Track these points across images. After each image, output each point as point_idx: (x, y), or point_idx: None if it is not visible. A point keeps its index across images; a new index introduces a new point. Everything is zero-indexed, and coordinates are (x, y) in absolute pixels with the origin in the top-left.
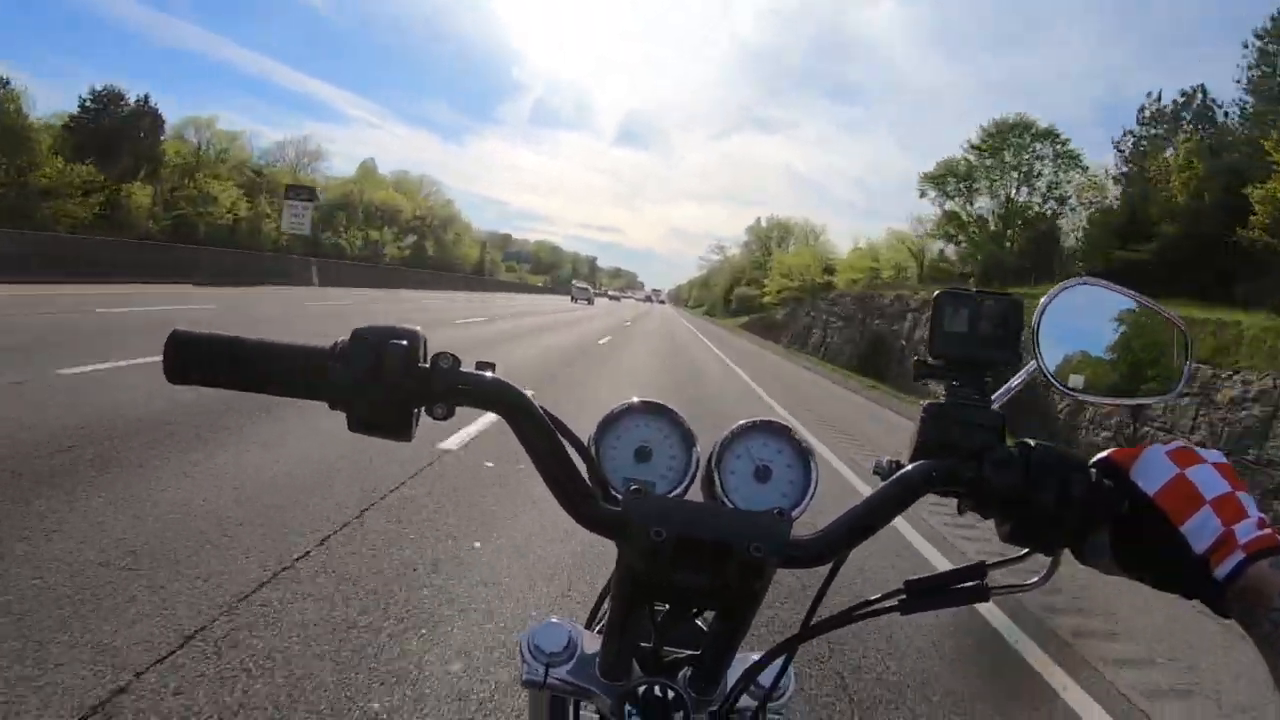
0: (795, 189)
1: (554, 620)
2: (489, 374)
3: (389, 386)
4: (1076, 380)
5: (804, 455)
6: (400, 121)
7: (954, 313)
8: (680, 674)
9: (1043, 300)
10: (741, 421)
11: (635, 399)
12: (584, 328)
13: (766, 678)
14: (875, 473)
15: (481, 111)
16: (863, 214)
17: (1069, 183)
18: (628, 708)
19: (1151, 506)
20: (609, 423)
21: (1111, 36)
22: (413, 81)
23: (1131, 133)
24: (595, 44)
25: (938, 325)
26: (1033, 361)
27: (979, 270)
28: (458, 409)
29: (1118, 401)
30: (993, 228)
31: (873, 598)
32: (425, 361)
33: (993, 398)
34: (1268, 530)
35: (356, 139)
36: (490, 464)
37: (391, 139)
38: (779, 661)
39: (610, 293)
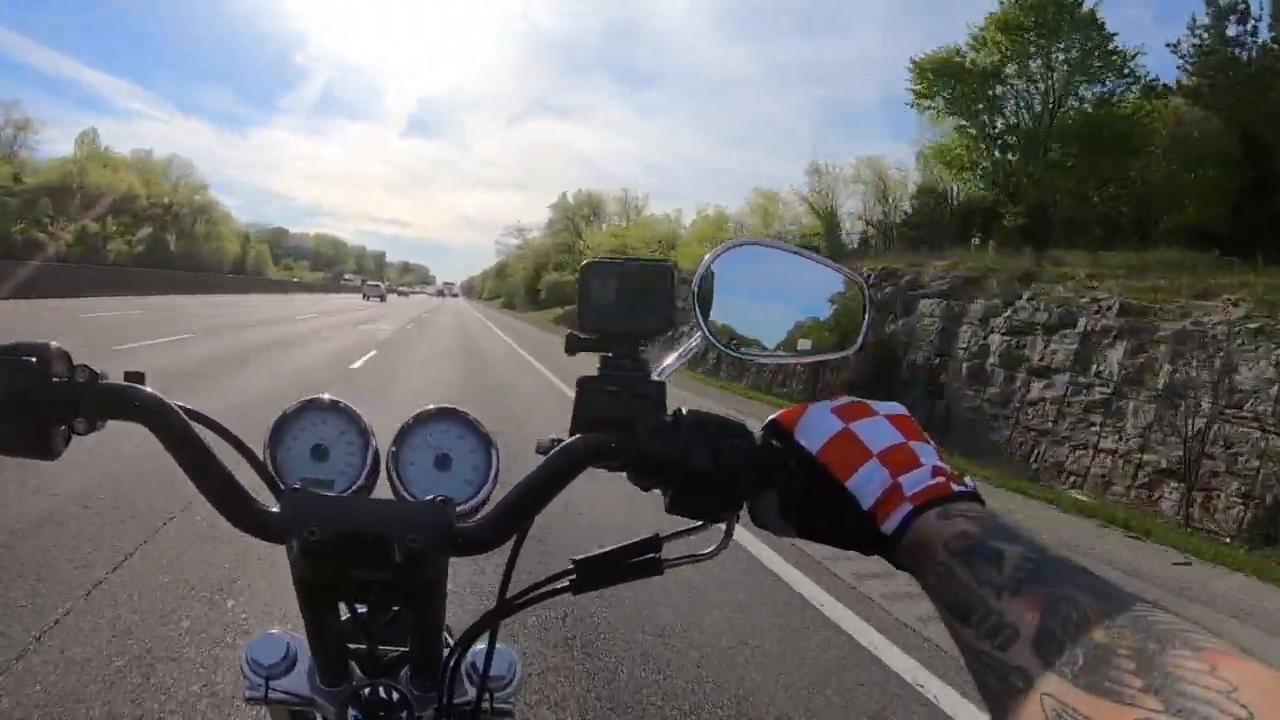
0: (591, 174)
1: (272, 632)
2: (135, 385)
3: (21, 405)
4: (750, 342)
5: (485, 441)
6: (176, 110)
7: (601, 284)
8: (401, 672)
9: (703, 261)
10: (419, 410)
11: (316, 396)
12: (332, 345)
13: (481, 660)
14: (538, 451)
15: (264, 100)
16: (664, 197)
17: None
18: (351, 712)
19: (817, 465)
20: (283, 423)
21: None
22: (188, 67)
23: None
24: (383, 28)
25: (584, 296)
26: (698, 328)
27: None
28: (106, 423)
29: (793, 360)
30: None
31: (544, 579)
32: (64, 376)
33: (659, 367)
34: (940, 479)
35: (132, 132)
36: None
37: (167, 129)
38: (481, 646)
39: (399, 288)
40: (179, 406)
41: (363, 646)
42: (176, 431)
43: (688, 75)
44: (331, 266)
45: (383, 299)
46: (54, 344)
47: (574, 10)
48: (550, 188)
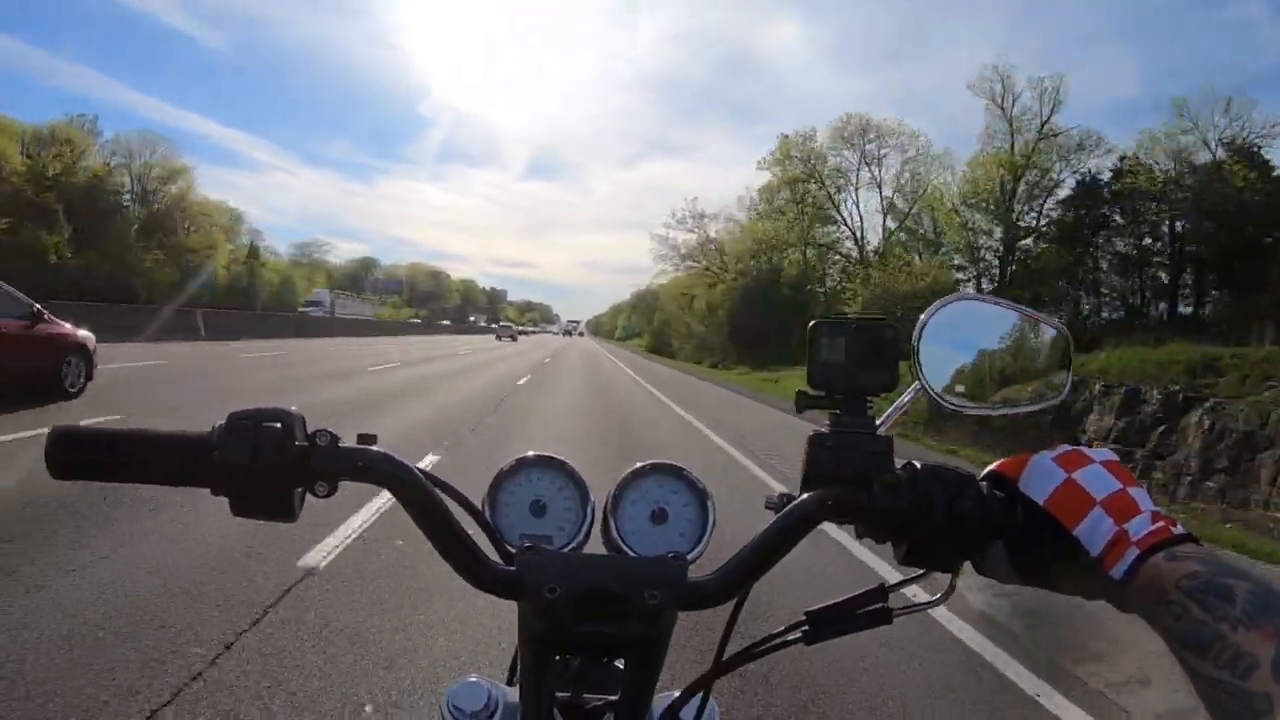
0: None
1: (472, 679)
2: (372, 448)
3: (266, 469)
4: (962, 395)
5: (701, 495)
6: (304, 164)
7: (829, 342)
8: None
9: (921, 319)
10: (636, 465)
11: (530, 453)
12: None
13: (688, 714)
14: (768, 507)
15: (389, 152)
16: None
17: None
18: None
19: (1043, 514)
20: (501, 480)
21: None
22: (316, 122)
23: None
24: (500, 78)
25: (814, 355)
26: (917, 382)
27: None
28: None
29: (1005, 413)
30: None
31: (776, 631)
32: (303, 440)
33: (878, 422)
34: (1161, 523)
35: (264, 183)
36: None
37: (296, 181)
38: (697, 699)
39: (518, 328)
40: (415, 468)
41: (568, 695)
42: (414, 493)
43: (798, 106)
44: (428, 302)
45: (514, 339)
46: (293, 409)
47: (681, 50)
48: (664, 228)
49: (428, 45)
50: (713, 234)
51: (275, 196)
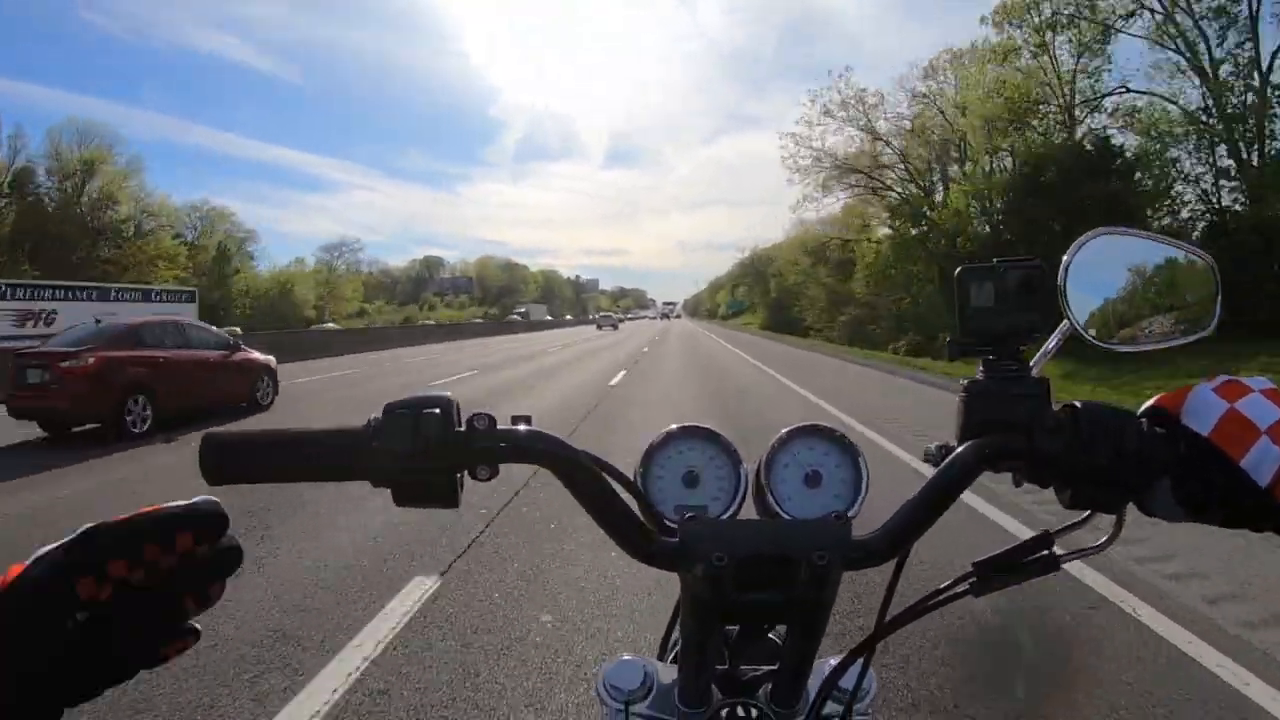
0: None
1: (627, 657)
2: (524, 428)
3: (429, 456)
4: (1111, 331)
5: (852, 454)
6: (388, 178)
7: (978, 288)
8: (761, 691)
9: (1065, 258)
10: (785, 429)
11: (674, 425)
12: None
13: (847, 681)
14: (926, 460)
15: (468, 156)
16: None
17: None
18: None
19: (1208, 447)
20: (652, 453)
21: None
22: (394, 137)
23: None
24: (569, 70)
25: (964, 303)
26: (1065, 321)
27: None
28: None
29: (1155, 346)
30: None
31: (943, 585)
32: (461, 425)
33: (1031, 364)
34: None
35: (348, 202)
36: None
37: (381, 198)
38: (858, 664)
39: (607, 316)
40: (572, 446)
41: (724, 667)
42: (574, 470)
43: (873, 60)
44: (502, 299)
45: (615, 328)
46: (449, 394)
47: (746, 19)
48: (751, 200)
49: (492, 48)
50: (882, 129)
51: (361, 214)
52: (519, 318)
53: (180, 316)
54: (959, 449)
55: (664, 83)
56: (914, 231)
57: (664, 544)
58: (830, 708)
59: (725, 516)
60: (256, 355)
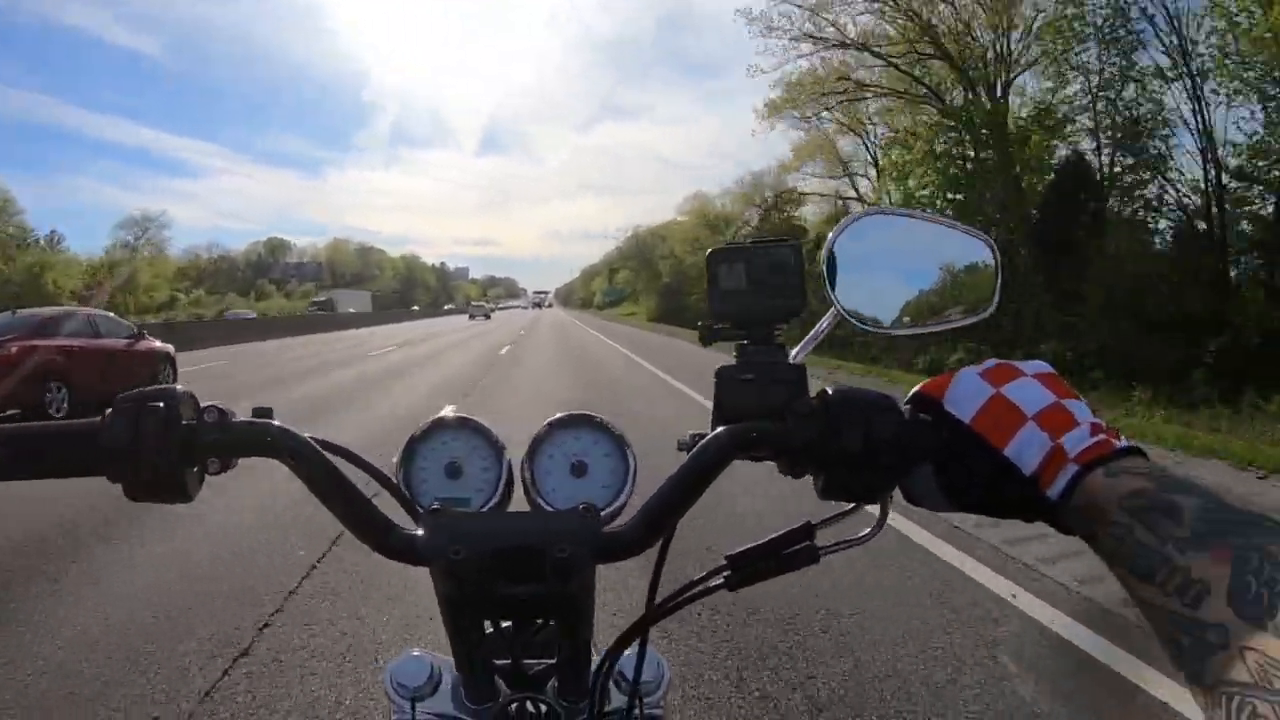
0: (667, 169)
1: (415, 653)
2: (263, 420)
3: (154, 450)
4: (884, 315)
5: (620, 444)
6: (256, 163)
7: (729, 270)
8: (549, 684)
9: (830, 237)
10: (551, 418)
11: (443, 414)
12: None
13: (629, 666)
14: (680, 449)
15: (339, 142)
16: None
17: None
18: None
19: (972, 434)
20: (414, 444)
21: None
22: (262, 120)
23: None
24: (442, 55)
25: (714, 285)
26: (834, 307)
27: None
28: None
29: (929, 330)
30: None
31: (698, 577)
32: (192, 418)
33: (794, 350)
34: (1102, 436)
35: (215, 188)
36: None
37: (252, 184)
38: (632, 652)
39: (474, 304)
40: (310, 438)
41: (508, 661)
42: (309, 463)
43: (747, 55)
44: (354, 287)
45: (487, 317)
46: (180, 388)
47: (624, 6)
48: (628, 190)
49: (364, 28)
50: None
51: (230, 201)
52: (319, 309)
53: (88, 309)
54: (709, 436)
55: (540, 69)
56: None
57: (402, 537)
58: (622, 698)
59: (487, 508)
60: (157, 344)
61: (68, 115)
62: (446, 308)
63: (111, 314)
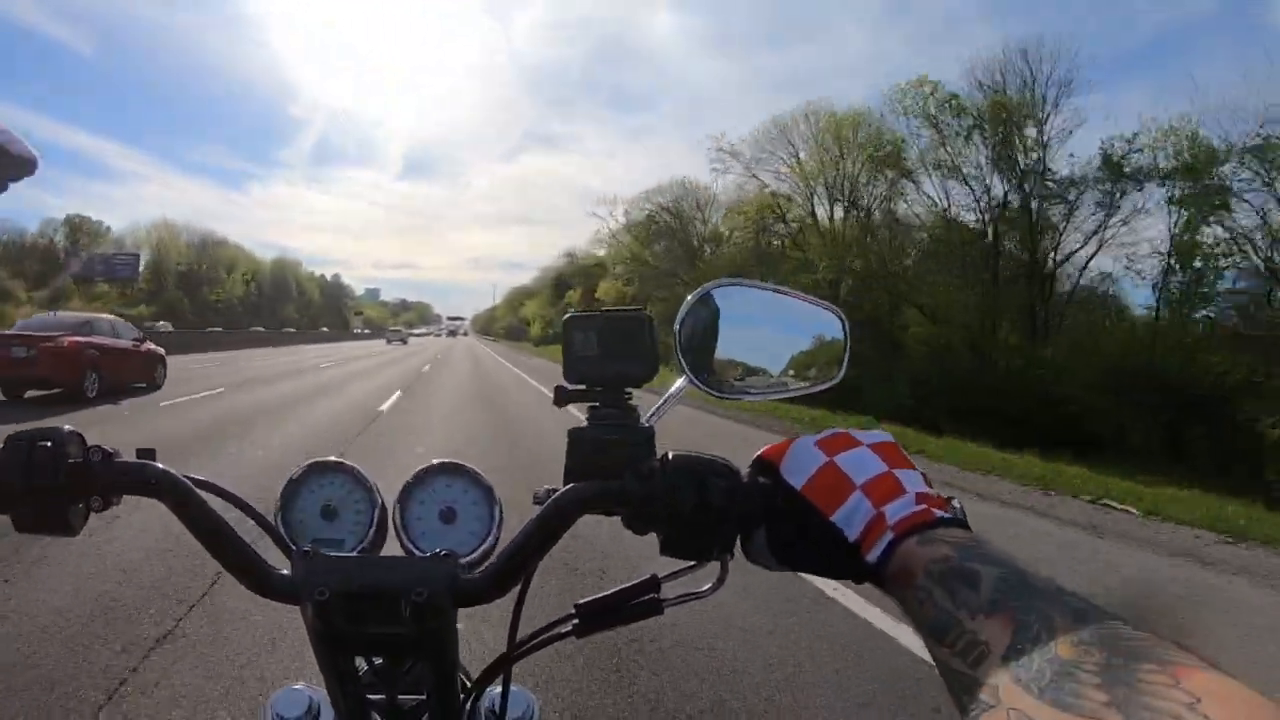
0: (587, 203)
1: (297, 686)
2: (146, 462)
3: (41, 488)
4: (735, 380)
5: (488, 494)
6: (177, 172)
7: (583, 336)
8: (423, 718)
9: (684, 304)
10: (423, 466)
11: (319, 458)
12: None
13: (491, 703)
14: (535, 503)
15: (262, 155)
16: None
17: None
18: None
19: (802, 500)
20: (293, 486)
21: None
22: (187, 129)
23: None
24: (371, 75)
25: (569, 350)
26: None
27: None
28: (124, 498)
29: (779, 396)
30: None
31: (548, 624)
32: (79, 457)
33: (650, 413)
34: (923, 506)
35: (134, 195)
36: None
37: (173, 193)
38: (495, 690)
39: (391, 330)
40: (189, 478)
41: (382, 697)
42: (188, 504)
43: (675, 94)
44: (197, 292)
45: (404, 342)
46: (67, 427)
47: (556, 38)
48: (549, 221)
49: (295, 42)
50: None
51: (150, 209)
52: None
53: (109, 316)
54: (560, 491)
55: (469, 95)
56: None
57: (278, 577)
58: None
59: (359, 550)
60: (154, 347)
61: None
62: (356, 330)
63: (123, 320)
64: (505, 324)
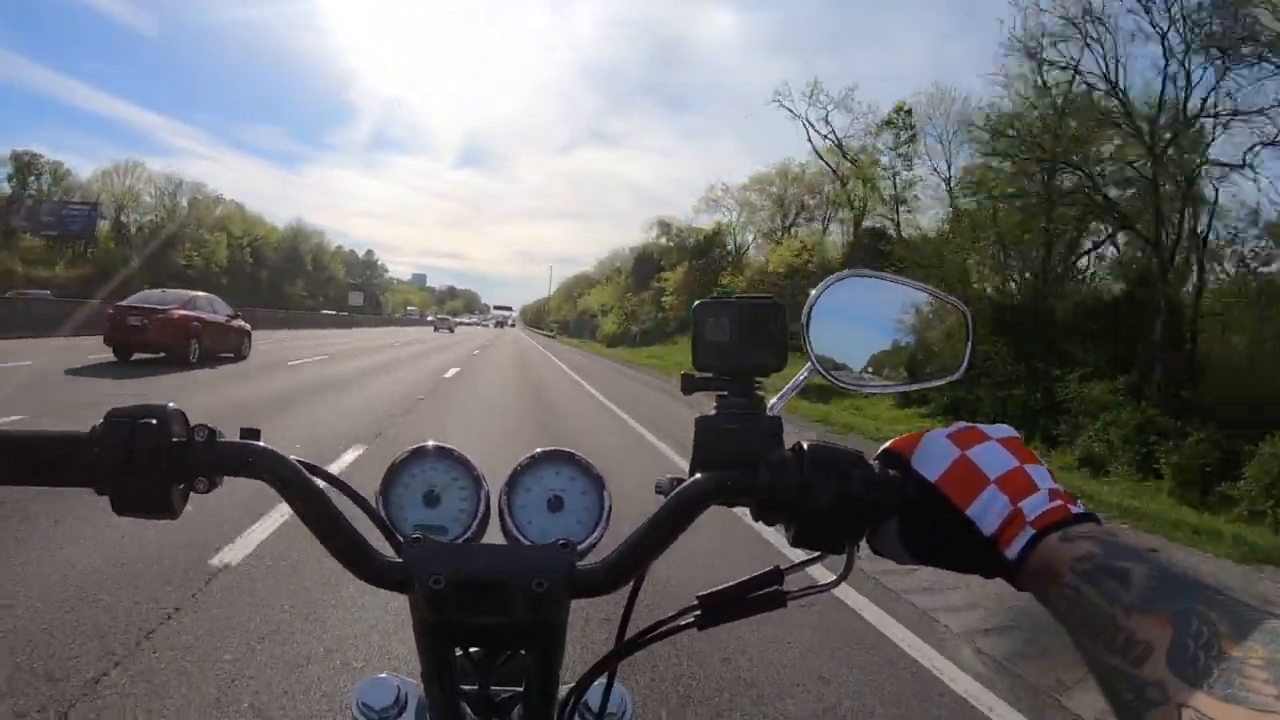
0: (638, 200)
1: (382, 675)
2: (253, 443)
3: (144, 467)
4: (859, 371)
5: (598, 482)
6: (232, 150)
7: (714, 322)
8: (514, 711)
9: (811, 295)
10: (531, 453)
11: (426, 444)
12: None
13: (595, 699)
14: (658, 492)
15: (316, 139)
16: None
17: None
18: None
19: (937, 493)
20: (394, 471)
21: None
22: (242, 107)
23: None
24: (430, 64)
25: (699, 336)
26: (810, 361)
27: None
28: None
29: (902, 388)
30: None
31: (668, 616)
32: (182, 436)
33: (771, 402)
34: (1059, 502)
35: (184, 170)
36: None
37: (219, 168)
38: (600, 684)
39: (440, 317)
40: (296, 460)
41: (475, 687)
42: (295, 485)
43: (729, 97)
44: (169, 251)
45: (451, 330)
46: (171, 405)
47: (616, 36)
48: (601, 217)
49: (355, 29)
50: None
51: (193, 183)
52: None
53: (207, 294)
54: (687, 482)
55: (526, 88)
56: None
57: (385, 564)
58: None
59: (464, 538)
60: (243, 323)
61: (39, 77)
62: (399, 315)
63: (217, 298)
64: (561, 317)
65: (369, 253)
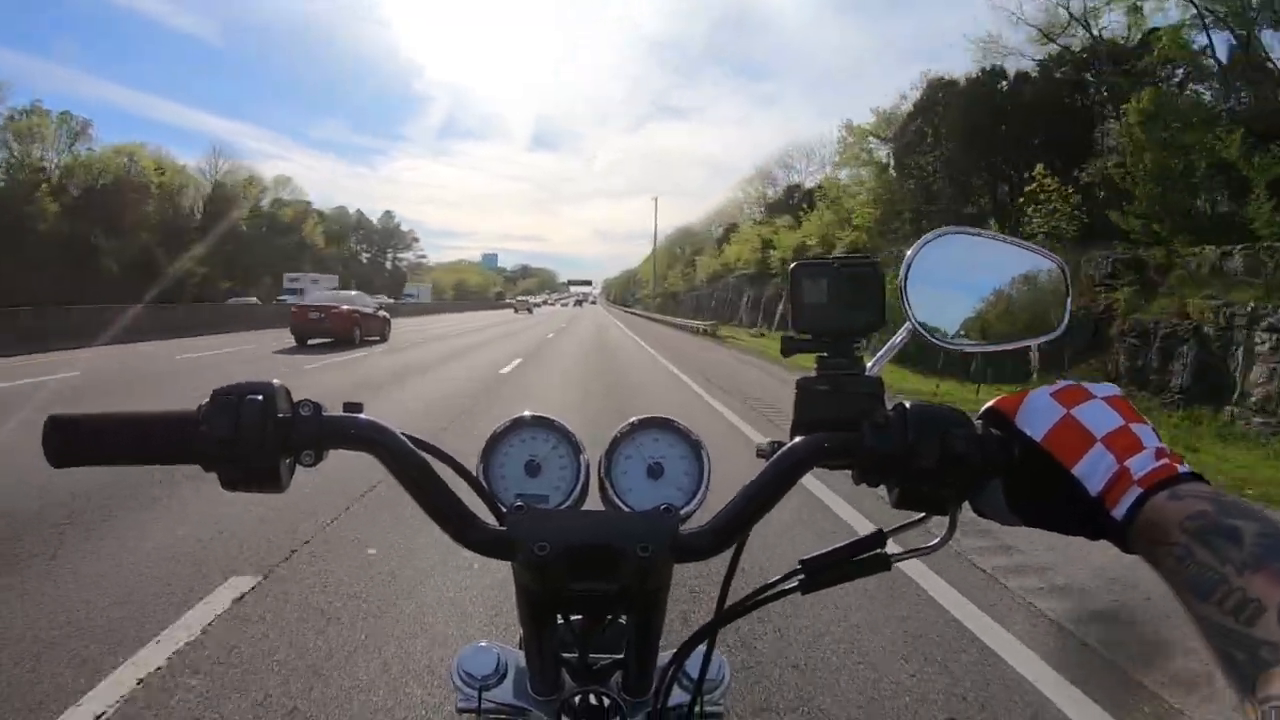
0: (715, 172)
1: (482, 644)
2: (356, 415)
3: (251, 442)
4: (956, 331)
5: (695, 447)
6: (304, 148)
7: (812, 284)
8: (612, 679)
9: (908, 255)
10: (629, 420)
11: (524, 414)
12: None
13: (694, 666)
14: (759, 455)
15: (388, 131)
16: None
17: None
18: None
19: (1042, 452)
20: (495, 441)
21: None
22: (312, 106)
23: None
24: (495, 49)
25: (797, 299)
26: (908, 321)
27: None
28: (331, 452)
29: (1000, 347)
30: None
31: (772, 580)
32: (287, 411)
33: (870, 363)
34: (1165, 460)
35: (261, 172)
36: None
37: (295, 168)
38: (700, 651)
39: (519, 298)
40: (400, 433)
41: (574, 655)
42: (400, 457)
43: (802, 59)
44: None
45: (530, 311)
46: (276, 382)
47: (678, 9)
48: (673, 191)
49: (418, 19)
50: None
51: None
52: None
53: (359, 293)
54: (789, 444)
55: (592, 67)
56: None
57: (491, 532)
58: (682, 696)
59: (565, 506)
60: (385, 312)
61: (115, 95)
62: (508, 300)
63: (363, 293)
64: (641, 294)
65: (387, 213)
